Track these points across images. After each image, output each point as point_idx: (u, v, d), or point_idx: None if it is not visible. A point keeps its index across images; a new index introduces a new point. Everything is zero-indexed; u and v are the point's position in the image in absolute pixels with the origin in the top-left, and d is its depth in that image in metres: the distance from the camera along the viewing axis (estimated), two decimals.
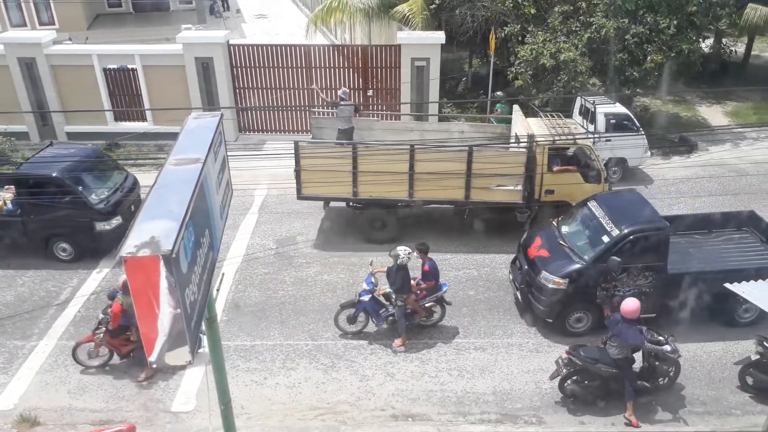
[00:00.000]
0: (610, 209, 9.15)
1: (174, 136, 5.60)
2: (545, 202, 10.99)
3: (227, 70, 15.38)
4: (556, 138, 10.76)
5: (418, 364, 8.75)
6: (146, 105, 15.69)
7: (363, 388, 8.34)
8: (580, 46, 14.88)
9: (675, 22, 14.91)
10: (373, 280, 9.04)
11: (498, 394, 8.25)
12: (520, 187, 10.69)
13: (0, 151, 15.06)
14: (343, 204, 11.66)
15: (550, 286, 8.81)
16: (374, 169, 10.59)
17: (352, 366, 8.71)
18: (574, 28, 15.24)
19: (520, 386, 8.39)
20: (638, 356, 7.99)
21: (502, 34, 16.03)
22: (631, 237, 8.58)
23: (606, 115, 13.73)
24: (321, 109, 13.78)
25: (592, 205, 9.45)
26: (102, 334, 8.35)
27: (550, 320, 9.06)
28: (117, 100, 15.82)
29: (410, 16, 16.27)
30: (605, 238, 8.78)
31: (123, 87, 15.67)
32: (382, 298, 9.06)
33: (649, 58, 14.90)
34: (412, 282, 8.92)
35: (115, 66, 15.49)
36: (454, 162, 10.58)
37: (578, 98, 14.92)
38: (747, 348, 8.81)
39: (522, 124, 11.55)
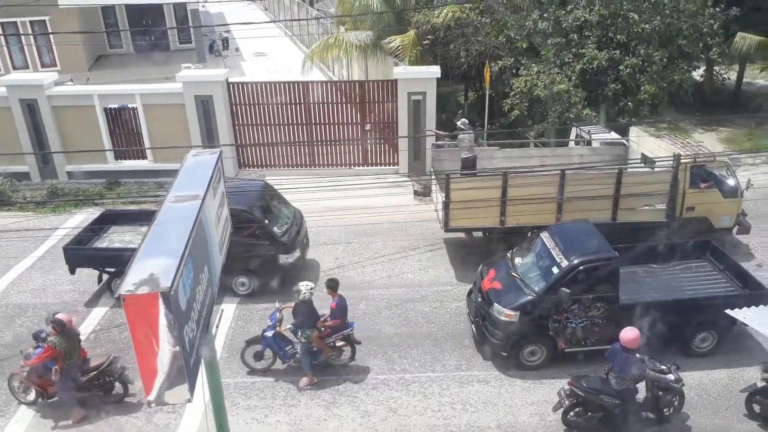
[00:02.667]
0: (561, 240, 9.21)
1: (174, 173, 5.69)
2: (686, 218, 11.25)
3: (226, 108, 15.64)
4: (697, 156, 11.21)
5: (420, 399, 8.65)
6: (146, 143, 15.89)
7: (365, 424, 8.23)
8: (573, 77, 15.16)
9: (666, 53, 15.24)
10: (278, 315, 8.95)
11: (503, 428, 8.14)
12: (663, 206, 10.98)
13: (0, 192, 15.20)
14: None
15: (502, 318, 8.80)
16: (523, 197, 10.78)
17: (353, 402, 8.61)
18: (567, 60, 15.55)
19: (524, 419, 8.28)
20: (641, 386, 7.91)
21: (497, 68, 16.34)
22: (580, 268, 8.62)
23: (602, 143, 13.89)
24: (437, 142, 14.16)
25: (544, 236, 9.52)
26: (26, 372, 8.25)
27: (504, 353, 9.02)
28: (117, 138, 16.03)
29: (402, 50, 16.62)
30: (555, 270, 8.80)
31: (123, 126, 15.91)
32: (288, 335, 8.96)
33: (642, 88, 15.15)
34: (322, 319, 8.84)
35: (115, 105, 15.77)
36: (602, 184, 10.81)
37: (573, 128, 15.11)
38: (753, 375, 8.72)
39: (656, 145, 11.96)
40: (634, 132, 12.83)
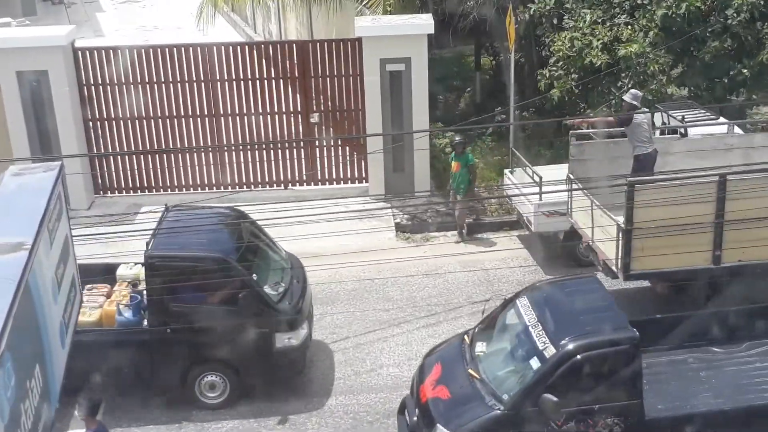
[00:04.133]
0: (548, 312, 9.34)
1: None
2: None
3: (72, 92, 15.60)
4: None
5: None
6: None
7: None
8: (651, 31, 15.47)
9: None
10: None
11: None
12: None
13: None
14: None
15: None
16: (751, 213, 10.79)
17: None
18: (639, 1, 15.88)
19: None
20: None
21: (526, 16, 16.63)
22: (577, 358, 8.69)
23: (704, 136, 14.13)
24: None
25: (522, 304, 9.64)
26: None
27: None
28: None
29: None
30: (534, 363, 8.88)
31: None
32: None
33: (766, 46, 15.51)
34: None
35: None
36: None
37: (657, 112, 15.33)
38: None
39: None
40: None
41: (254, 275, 10.69)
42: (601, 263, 11.86)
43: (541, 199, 13.34)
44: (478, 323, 10.26)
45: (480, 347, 9.64)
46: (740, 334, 10.34)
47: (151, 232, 10.82)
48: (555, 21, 16.66)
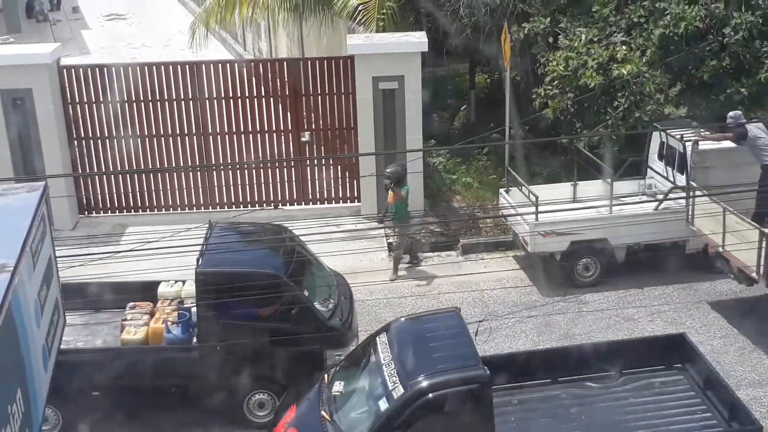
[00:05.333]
0: (404, 349, 9.35)
1: None
2: None
3: (57, 110, 15.61)
4: None
5: None
6: None
7: None
8: (648, 50, 15.55)
9: None
10: None
11: None
12: None
13: None
14: None
15: None
16: None
17: None
18: (636, 20, 15.99)
19: None
20: None
21: (521, 34, 16.71)
22: (424, 399, 8.66)
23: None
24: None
25: (381, 341, 9.66)
26: None
27: None
28: None
29: (366, 9, 16.86)
30: (383, 404, 8.85)
31: None
32: None
33: (766, 64, 15.57)
34: None
35: None
36: None
37: (656, 133, 15.37)
38: None
39: None
40: None
41: (306, 292, 10.86)
42: (735, 270, 11.95)
43: (537, 219, 13.40)
44: (340, 361, 10.31)
45: (337, 387, 9.63)
46: (613, 367, 10.31)
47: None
48: (550, 39, 16.73)
